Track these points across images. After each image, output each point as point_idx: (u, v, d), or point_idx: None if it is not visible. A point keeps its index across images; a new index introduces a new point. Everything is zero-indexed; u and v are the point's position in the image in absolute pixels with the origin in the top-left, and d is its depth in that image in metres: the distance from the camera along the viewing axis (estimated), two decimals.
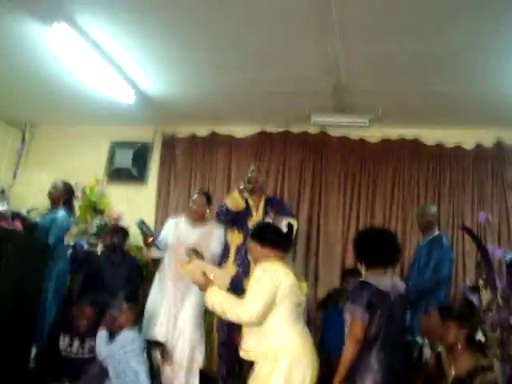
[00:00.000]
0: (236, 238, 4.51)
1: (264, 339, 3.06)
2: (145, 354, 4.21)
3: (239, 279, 4.26)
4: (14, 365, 3.97)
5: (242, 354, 3.21)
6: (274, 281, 3.06)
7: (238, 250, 4.46)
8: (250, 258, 4.22)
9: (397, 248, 3.39)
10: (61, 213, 5.41)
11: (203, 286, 3.24)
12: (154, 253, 5.09)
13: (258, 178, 4.64)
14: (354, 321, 3.14)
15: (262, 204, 4.60)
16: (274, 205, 4.66)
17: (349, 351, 3.11)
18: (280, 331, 3.06)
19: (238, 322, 3.13)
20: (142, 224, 4.73)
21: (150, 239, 4.72)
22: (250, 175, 4.63)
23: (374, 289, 3.17)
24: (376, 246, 3.32)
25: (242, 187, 4.49)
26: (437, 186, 6.80)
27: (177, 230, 4.93)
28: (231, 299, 3.14)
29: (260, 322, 3.04)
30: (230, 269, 4.37)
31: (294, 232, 4.48)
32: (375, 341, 3.13)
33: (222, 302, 3.09)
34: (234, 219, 4.53)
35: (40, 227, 5.09)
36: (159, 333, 4.60)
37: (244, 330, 3.20)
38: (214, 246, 4.72)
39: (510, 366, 3.76)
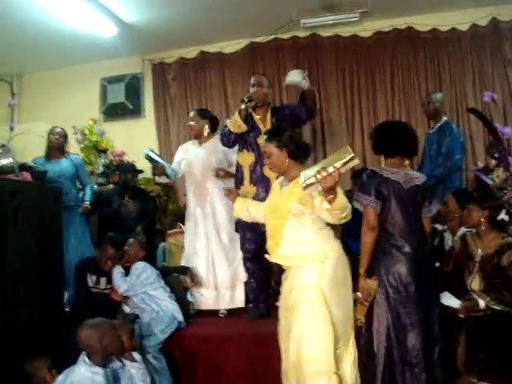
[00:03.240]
0: (247, 159, 4.32)
1: (305, 241, 3.07)
2: (162, 281, 4.27)
3: (261, 198, 4.15)
4: (49, 312, 4.05)
5: (280, 261, 3.19)
6: None
7: (252, 169, 4.29)
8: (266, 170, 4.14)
9: (413, 139, 3.34)
10: (76, 156, 5.68)
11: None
12: (163, 180, 5.06)
13: (260, 93, 4.35)
14: (366, 209, 3.16)
15: (268, 116, 4.38)
16: (283, 111, 4.44)
17: (366, 239, 3.15)
18: (321, 232, 3.09)
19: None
20: (149, 155, 4.70)
21: (159, 169, 4.70)
22: (250, 92, 4.36)
23: (384, 178, 3.17)
24: (393, 138, 3.27)
25: (242, 107, 4.24)
26: (436, 72, 6.70)
27: (187, 154, 4.87)
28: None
29: None
30: (248, 191, 4.29)
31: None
32: (393, 230, 3.16)
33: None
34: (240, 140, 4.35)
35: (57, 175, 5.19)
36: (198, 260, 4.68)
37: (278, 236, 3.16)
38: (231, 154, 4.68)
39: None
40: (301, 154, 3.22)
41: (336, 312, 3.03)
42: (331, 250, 3.08)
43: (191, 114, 4.92)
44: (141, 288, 4.14)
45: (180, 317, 4.11)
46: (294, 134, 3.27)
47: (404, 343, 3.07)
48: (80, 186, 5.70)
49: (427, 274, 3.19)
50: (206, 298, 4.65)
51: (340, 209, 2.83)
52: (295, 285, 3.09)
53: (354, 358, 3.17)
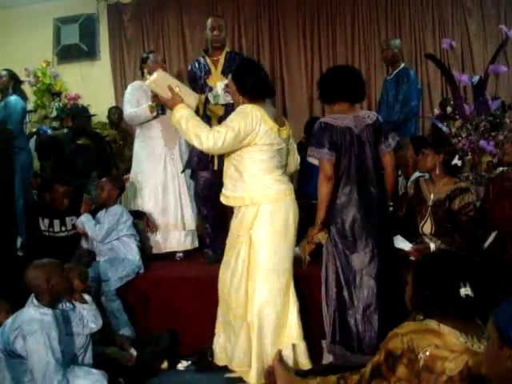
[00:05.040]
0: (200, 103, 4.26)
1: (241, 184, 3.10)
2: (134, 228, 4.16)
3: None
4: (3, 258, 3.96)
5: (222, 199, 3.25)
6: (248, 122, 2.98)
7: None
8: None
9: (357, 83, 3.31)
10: (12, 97, 5.25)
11: (171, 102, 3.08)
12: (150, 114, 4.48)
13: (220, 37, 4.27)
14: (322, 162, 3.17)
15: (221, 60, 4.30)
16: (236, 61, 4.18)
17: (323, 190, 3.17)
18: (257, 177, 3.08)
19: (198, 146, 3.02)
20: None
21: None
22: (208, 35, 4.27)
23: (335, 128, 3.17)
24: (335, 84, 3.25)
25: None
26: (397, 19, 6.71)
27: (146, 94, 4.49)
28: (200, 121, 3.07)
29: (219, 152, 3.09)
30: None
31: None
32: (345, 177, 3.20)
33: (189, 120, 3.00)
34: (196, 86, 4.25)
35: None
36: (149, 201, 4.57)
37: (224, 175, 3.21)
38: None
39: (484, 187, 3.92)
40: (257, 95, 3.13)
41: (268, 259, 3.09)
42: (263, 196, 3.08)
43: (156, 55, 4.74)
44: (116, 234, 4.01)
45: (141, 265, 4.09)
46: (253, 77, 3.14)
47: (354, 287, 3.16)
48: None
49: (378, 218, 3.24)
50: (172, 239, 4.60)
51: (174, 124, 3.07)
52: (234, 223, 3.20)
53: (297, 308, 3.24)
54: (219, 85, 4.16)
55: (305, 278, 3.51)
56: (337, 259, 3.20)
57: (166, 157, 4.56)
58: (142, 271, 4.12)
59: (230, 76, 3.29)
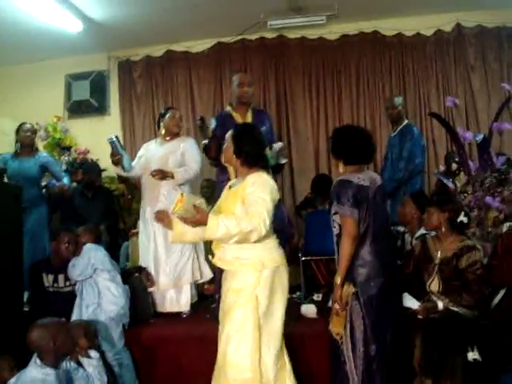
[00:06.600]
0: None
1: (246, 247, 2.99)
2: (112, 265, 4.05)
3: None
4: (8, 311, 3.95)
5: (219, 263, 3.15)
6: (272, 191, 2.99)
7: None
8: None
9: (372, 145, 3.38)
10: (44, 155, 5.54)
11: (200, 220, 2.79)
12: (119, 171, 4.74)
13: (251, 92, 4.37)
14: (345, 219, 3.12)
15: (249, 116, 4.34)
16: (262, 121, 4.36)
17: (346, 249, 3.10)
18: (265, 240, 3.01)
19: (258, 238, 2.87)
20: (114, 141, 4.46)
21: (116, 157, 4.47)
22: (239, 91, 4.30)
23: (356, 185, 3.15)
24: (361, 147, 3.26)
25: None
26: (401, 76, 6.84)
27: (147, 152, 4.78)
28: (233, 216, 2.89)
29: None
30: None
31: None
32: (365, 235, 3.15)
33: (227, 225, 2.79)
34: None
35: (15, 174, 5.15)
36: (148, 260, 4.62)
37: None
38: (189, 155, 4.61)
39: (491, 243, 3.91)
40: (251, 162, 3.12)
41: (267, 320, 3.01)
42: (271, 260, 3.02)
43: (179, 113, 4.86)
44: (91, 269, 3.92)
45: (126, 312, 3.97)
46: (253, 142, 3.15)
47: (383, 340, 3.03)
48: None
49: (393, 274, 3.23)
50: (168, 299, 4.61)
51: (221, 238, 2.85)
52: (231, 288, 3.05)
53: (290, 370, 3.15)
54: (275, 146, 4.26)
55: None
56: (366, 318, 3.07)
57: (148, 215, 4.62)
58: (125, 321, 3.97)
59: (228, 133, 3.24)
